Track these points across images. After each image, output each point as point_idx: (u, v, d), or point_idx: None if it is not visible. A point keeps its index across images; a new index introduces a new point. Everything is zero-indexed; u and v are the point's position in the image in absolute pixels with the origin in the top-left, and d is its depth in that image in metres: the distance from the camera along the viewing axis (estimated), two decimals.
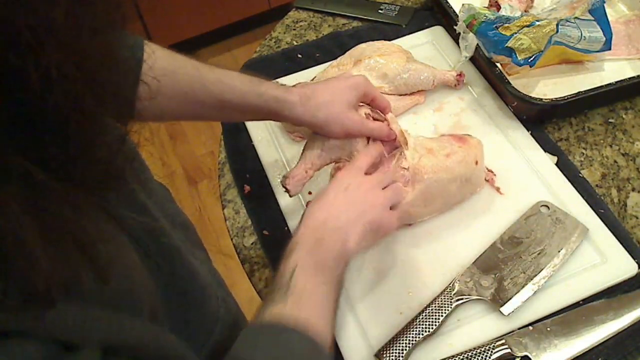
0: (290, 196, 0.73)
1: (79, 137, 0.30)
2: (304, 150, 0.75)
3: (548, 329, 0.67)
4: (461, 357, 0.65)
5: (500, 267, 0.71)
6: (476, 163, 0.77)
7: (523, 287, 0.69)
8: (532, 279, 0.70)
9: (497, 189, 0.81)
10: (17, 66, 0.26)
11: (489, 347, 0.65)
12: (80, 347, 0.34)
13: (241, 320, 0.68)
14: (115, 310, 0.37)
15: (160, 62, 0.65)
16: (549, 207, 0.77)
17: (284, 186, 0.73)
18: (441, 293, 0.70)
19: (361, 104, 0.75)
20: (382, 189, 0.66)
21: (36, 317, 0.31)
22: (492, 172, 0.82)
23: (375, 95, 0.74)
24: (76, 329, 0.34)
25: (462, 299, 0.69)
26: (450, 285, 0.70)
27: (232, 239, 0.82)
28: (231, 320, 0.64)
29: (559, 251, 0.72)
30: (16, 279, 0.29)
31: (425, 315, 0.67)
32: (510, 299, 0.68)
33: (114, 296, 0.39)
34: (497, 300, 0.69)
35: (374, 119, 0.74)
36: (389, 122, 0.74)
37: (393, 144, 0.74)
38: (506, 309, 0.68)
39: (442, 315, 0.67)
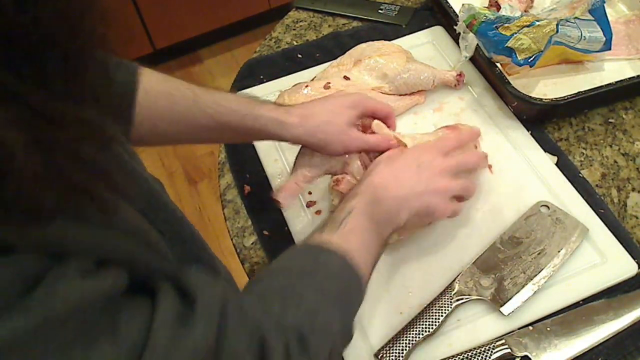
0: (283, 207, 0.74)
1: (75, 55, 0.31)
2: (295, 163, 0.75)
3: (548, 329, 0.67)
4: (461, 357, 0.65)
5: (500, 267, 0.71)
6: (475, 147, 0.77)
7: (523, 287, 0.69)
8: (532, 279, 0.70)
9: (489, 167, 0.82)
10: None
11: (489, 347, 0.65)
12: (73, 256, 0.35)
13: None
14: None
15: (157, 87, 0.65)
16: (549, 207, 0.77)
17: (274, 199, 0.73)
18: (441, 293, 0.70)
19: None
20: (455, 177, 0.68)
21: (24, 232, 0.32)
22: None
23: (375, 109, 0.74)
24: (69, 243, 0.35)
25: (462, 299, 0.69)
26: (450, 285, 0.70)
27: (232, 239, 0.82)
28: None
29: (559, 251, 0.72)
30: (15, 198, 0.30)
31: (425, 315, 0.67)
32: (510, 299, 0.68)
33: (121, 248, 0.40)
34: (497, 300, 0.69)
35: (364, 127, 0.74)
36: (378, 130, 0.73)
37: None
38: (506, 309, 0.68)
39: (442, 315, 0.67)
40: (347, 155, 0.73)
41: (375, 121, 0.74)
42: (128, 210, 0.45)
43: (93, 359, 0.33)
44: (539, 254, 0.72)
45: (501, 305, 0.68)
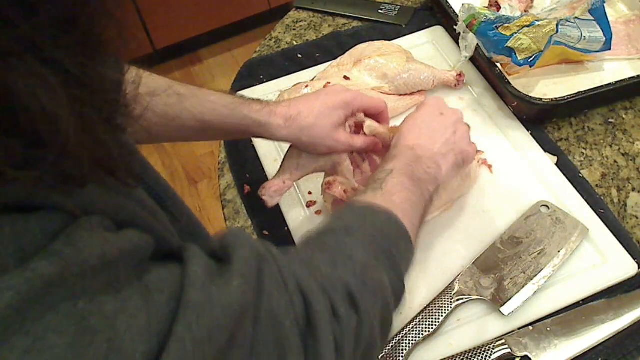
0: (268, 206, 0.72)
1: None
2: (283, 160, 0.74)
3: (548, 329, 0.67)
4: (461, 357, 0.65)
5: (500, 267, 0.71)
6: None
7: (523, 287, 0.69)
8: (532, 279, 0.70)
9: (488, 165, 0.83)
10: None
11: (489, 347, 0.65)
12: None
13: None
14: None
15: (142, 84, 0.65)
16: (549, 207, 0.77)
17: (260, 196, 0.72)
18: (441, 293, 0.70)
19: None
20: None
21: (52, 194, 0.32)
22: (479, 152, 0.83)
23: (367, 107, 0.73)
24: (93, 204, 0.35)
25: (462, 299, 0.69)
26: (450, 285, 0.70)
27: None
28: None
29: (559, 251, 0.72)
30: (51, 161, 0.30)
31: (425, 315, 0.67)
32: (510, 299, 0.68)
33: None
34: (497, 300, 0.68)
35: (357, 126, 0.74)
36: (370, 132, 0.73)
37: (385, 147, 0.74)
38: (506, 309, 0.68)
39: (442, 315, 0.67)
40: (336, 155, 0.73)
41: (367, 123, 0.73)
42: (146, 195, 0.44)
43: (125, 310, 0.32)
44: (539, 253, 0.72)
45: (501, 305, 0.68)
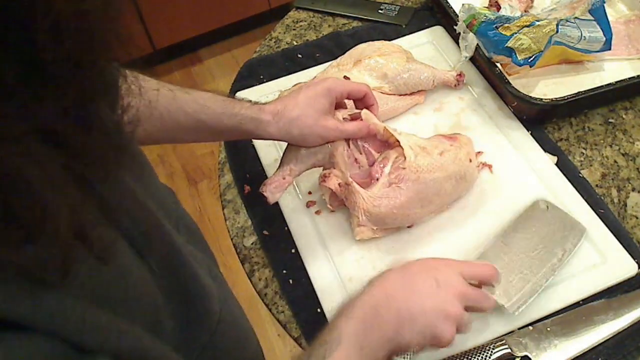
0: (269, 203, 0.73)
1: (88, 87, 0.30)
2: (282, 157, 0.75)
3: (548, 329, 0.67)
4: (461, 357, 0.65)
5: (504, 264, 0.71)
6: (470, 160, 0.77)
7: (523, 287, 0.69)
8: (532, 279, 0.70)
9: (488, 166, 0.83)
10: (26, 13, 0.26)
11: (489, 347, 0.65)
12: (88, 349, 0.33)
13: (243, 321, 0.68)
14: (112, 311, 0.37)
15: None
16: (548, 206, 0.77)
17: (262, 194, 0.73)
18: None
19: (338, 109, 0.75)
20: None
21: (36, 304, 0.30)
22: (479, 153, 0.83)
23: (350, 91, 0.74)
24: (77, 324, 0.33)
25: None
26: None
27: (232, 239, 0.82)
28: (233, 322, 0.63)
29: (559, 251, 0.72)
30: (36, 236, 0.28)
31: None
32: (512, 299, 0.68)
33: (109, 293, 0.39)
34: (502, 297, 0.68)
35: (353, 119, 0.74)
36: (367, 120, 0.74)
37: (382, 142, 0.75)
38: (512, 306, 0.67)
39: None
40: (330, 146, 0.73)
41: (364, 111, 0.74)
42: (123, 251, 0.43)
43: None
44: (538, 253, 0.72)
45: (507, 303, 0.67)
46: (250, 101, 0.73)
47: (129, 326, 0.38)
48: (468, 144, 0.79)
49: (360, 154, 0.76)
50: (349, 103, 0.78)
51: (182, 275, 0.54)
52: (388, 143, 0.76)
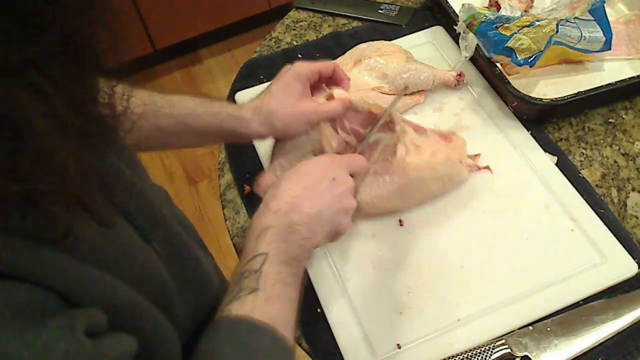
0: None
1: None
2: (272, 154, 0.76)
3: (548, 329, 0.67)
4: (461, 357, 0.65)
5: None
6: (460, 162, 0.77)
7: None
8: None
9: (487, 168, 0.82)
10: None
11: (489, 347, 0.65)
12: (82, 304, 0.35)
13: None
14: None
15: None
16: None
17: (256, 192, 0.74)
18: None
19: (316, 94, 0.76)
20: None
21: (35, 258, 0.33)
22: (476, 156, 0.83)
23: (319, 69, 0.74)
24: (73, 279, 0.35)
25: None
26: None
27: (232, 239, 0.82)
28: None
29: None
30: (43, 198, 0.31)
31: None
32: None
33: (117, 265, 0.41)
34: None
35: (329, 99, 0.75)
36: (338, 96, 0.74)
37: (366, 116, 0.75)
38: None
39: None
40: (319, 131, 0.73)
41: (335, 90, 0.75)
42: (125, 227, 0.45)
43: None
44: None
45: None
46: (228, 102, 0.74)
47: (129, 290, 0.40)
48: (462, 146, 0.79)
49: (349, 134, 0.76)
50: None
51: (186, 258, 0.55)
52: (372, 115, 0.75)
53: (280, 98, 0.71)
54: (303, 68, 0.73)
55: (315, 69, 0.73)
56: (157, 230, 0.51)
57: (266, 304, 0.53)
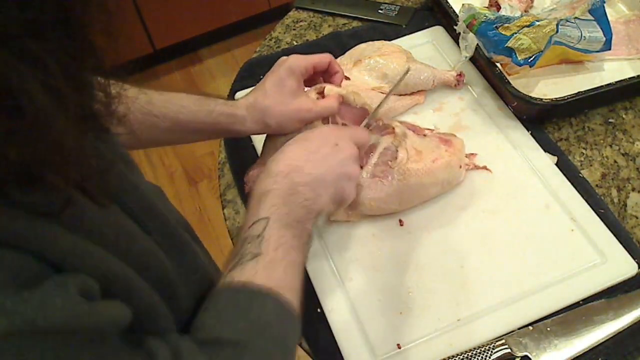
0: None
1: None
2: (262, 148, 0.76)
3: (548, 329, 0.67)
4: (461, 357, 0.65)
5: None
6: (459, 167, 0.77)
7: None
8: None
9: (484, 167, 0.82)
10: None
11: (489, 347, 0.65)
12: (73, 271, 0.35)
13: None
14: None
15: None
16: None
17: (245, 185, 0.74)
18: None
19: (310, 88, 0.75)
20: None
21: (32, 228, 0.34)
22: (472, 155, 0.83)
23: (311, 64, 0.73)
24: (68, 252, 0.36)
25: None
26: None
27: (232, 239, 0.82)
28: None
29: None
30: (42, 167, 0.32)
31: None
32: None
33: (113, 245, 0.41)
34: None
35: (319, 93, 0.74)
36: (329, 92, 0.73)
37: (360, 112, 0.75)
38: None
39: None
40: (303, 129, 0.72)
41: (327, 87, 0.74)
42: (124, 217, 0.45)
43: None
44: None
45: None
46: (225, 98, 0.73)
47: (124, 266, 0.40)
48: (461, 149, 0.79)
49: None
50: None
51: (185, 252, 0.55)
52: (365, 110, 0.76)
53: (274, 96, 0.71)
54: (299, 63, 0.72)
55: (309, 64, 0.73)
56: (155, 223, 0.50)
57: (268, 269, 0.52)
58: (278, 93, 0.71)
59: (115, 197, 0.44)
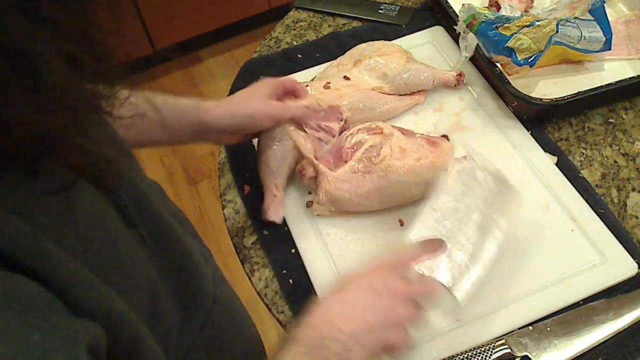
0: (278, 223, 0.78)
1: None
2: (262, 180, 0.80)
3: (548, 329, 0.67)
4: (461, 357, 0.65)
5: (442, 236, 0.65)
6: (445, 169, 0.77)
7: (468, 268, 0.64)
8: (475, 254, 0.65)
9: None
10: None
11: (489, 347, 0.65)
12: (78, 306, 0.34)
13: (238, 304, 0.68)
14: (104, 280, 0.38)
15: None
16: (465, 157, 0.70)
17: (268, 220, 0.77)
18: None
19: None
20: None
21: (39, 246, 0.33)
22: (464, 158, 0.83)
23: (283, 83, 0.80)
24: (73, 281, 0.35)
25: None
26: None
27: (232, 239, 0.82)
28: (228, 304, 0.64)
29: (499, 219, 0.66)
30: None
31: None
32: (458, 284, 0.63)
33: (100, 260, 0.40)
34: (453, 286, 0.63)
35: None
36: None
37: (330, 111, 0.81)
38: (459, 294, 0.63)
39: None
40: (292, 136, 0.77)
41: (288, 101, 0.80)
42: (110, 212, 0.44)
43: None
44: (475, 217, 0.66)
45: (457, 292, 0.63)
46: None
47: (118, 297, 0.39)
48: (449, 152, 0.78)
49: (318, 130, 0.80)
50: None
51: (175, 250, 0.55)
52: (333, 107, 0.81)
53: (250, 94, 0.76)
54: (271, 80, 0.79)
55: (279, 82, 0.79)
56: (143, 215, 0.49)
57: None
58: (252, 94, 0.77)
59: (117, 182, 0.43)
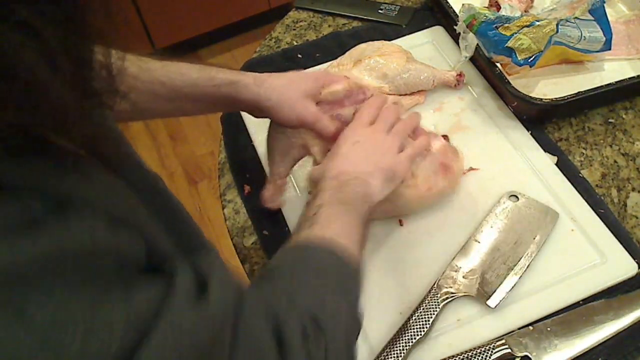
0: (275, 209, 0.79)
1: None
2: (269, 166, 0.79)
3: (548, 329, 0.67)
4: (461, 357, 0.65)
5: (480, 261, 0.72)
6: (453, 191, 0.78)
7: (505, 277, 0.70)
8: (512, 269, 0.71)
9: (471, 169, 0.83)
10: None
11: (489, 347, 0.65)
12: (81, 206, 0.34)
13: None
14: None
15: None
16: (517, 197, 0.78)
17: (267, 207, 0.77)
18: (427, 294, 0.69)
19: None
20: (387, 133, 0.68)
21: (39, 169, 0.33)
22: (473, 169, 0.83)
23: (325, 84, 0.74)
24: (76, 188, 0.35)
25: (448, 297, 0.68)
26: (435, 285, 0.70)
27: (232, 239, 0.82)
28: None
29: (534, 238, 0.73)
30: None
31: (416, 319, 0.67)
32: (495, 291, 0.69)
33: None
34: (483, 294, 0.69)
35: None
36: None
37: (356, 99, 0.75)
38: (492, 301, 0.68)
39: (432, 317, 0.67)
40: (302, 136, 0.73)
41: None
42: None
43: (101, 309, 0.32)
44: (515, 243, 0.73)
45: (487, 299, 0.68)
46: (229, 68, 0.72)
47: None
48: (459, 174, 0.79)
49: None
50: None
51: (183, 231, 0.56)
52: (349, 91, 0.76)
53: (292, 81, 0.72)
54: (310, 75, 0.75)
55: (319, 83, 0.74)
56: (153, 193, 0.51)
57: (321, 230, 0.56)
58: (295, 83, 0.71)
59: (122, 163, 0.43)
